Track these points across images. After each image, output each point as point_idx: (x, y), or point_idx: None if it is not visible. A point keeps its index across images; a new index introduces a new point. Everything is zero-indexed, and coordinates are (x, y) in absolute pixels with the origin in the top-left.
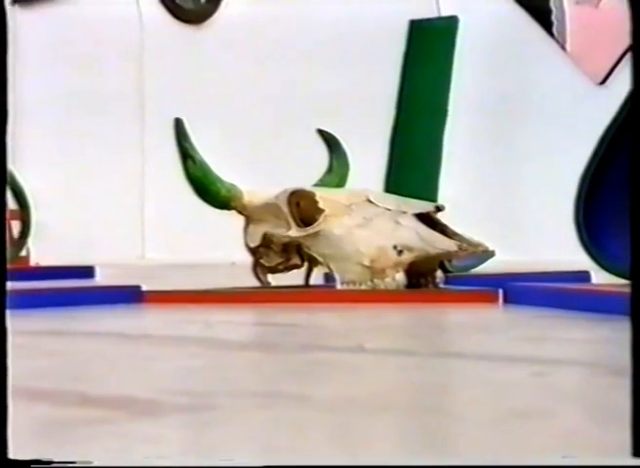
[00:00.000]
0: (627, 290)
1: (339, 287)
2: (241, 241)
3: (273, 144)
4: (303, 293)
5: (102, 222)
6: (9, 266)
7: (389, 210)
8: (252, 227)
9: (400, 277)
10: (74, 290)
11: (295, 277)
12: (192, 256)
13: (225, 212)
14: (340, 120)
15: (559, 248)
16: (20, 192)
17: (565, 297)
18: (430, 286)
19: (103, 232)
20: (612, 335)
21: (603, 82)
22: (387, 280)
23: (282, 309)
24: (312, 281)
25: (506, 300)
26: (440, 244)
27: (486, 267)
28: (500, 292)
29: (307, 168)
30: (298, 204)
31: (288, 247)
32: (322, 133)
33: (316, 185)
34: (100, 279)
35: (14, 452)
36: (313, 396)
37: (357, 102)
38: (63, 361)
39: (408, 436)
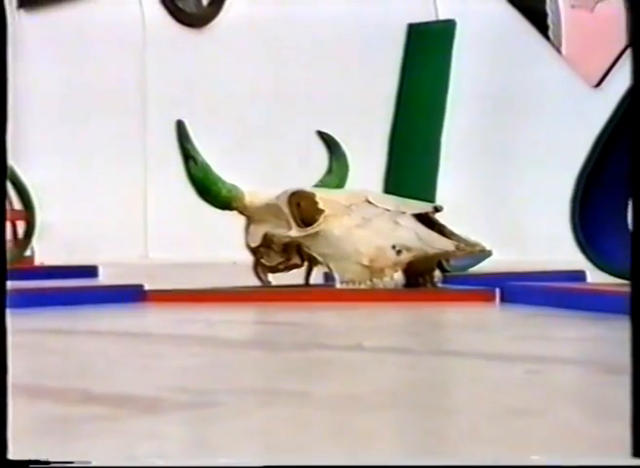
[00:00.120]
0: (622, 289)
1: (338, 286)
2: (242, 241)
3: (274, 146)
4: (303, 293)
5: (106, 223)
6: (14, 266)
7: (388, 210)
8: (253, 227)
9: (398, 276)
10: (78, 289)
11: (295, 276)
12: (194, 256)
13: (227, 212)
14: (339, 122)
15: (555, 248)
16: (24, 193)
17: (561, 297)
18: (428, 285)
19: (107, 232)
20: (607, 334)
21: (598, 84)
22: (386, 279)
23: (282, 308)
24: (312, 280)
25: (503, 299)
26: (438, 244)
27: (483, 267)
28: (497, 291)
29: (307, 169)
30: (298, 204)
31: (288, 247)
32: (322, 134)
33: (316, 186)
34: (104, 278)
35: (13, 452)
36: (313, 393)
37: (356, 104)
38: (67, 359)
39: (406, 433)
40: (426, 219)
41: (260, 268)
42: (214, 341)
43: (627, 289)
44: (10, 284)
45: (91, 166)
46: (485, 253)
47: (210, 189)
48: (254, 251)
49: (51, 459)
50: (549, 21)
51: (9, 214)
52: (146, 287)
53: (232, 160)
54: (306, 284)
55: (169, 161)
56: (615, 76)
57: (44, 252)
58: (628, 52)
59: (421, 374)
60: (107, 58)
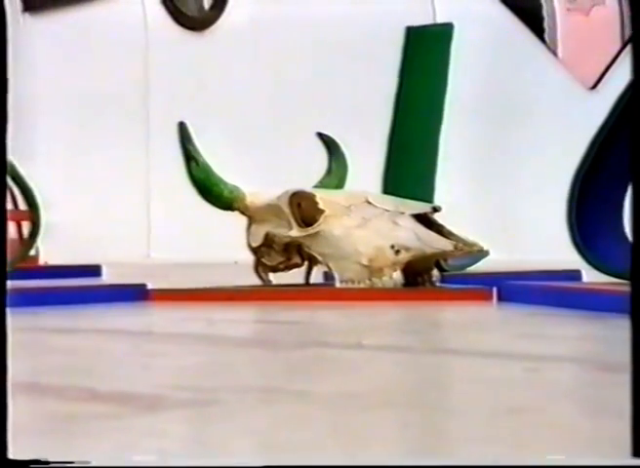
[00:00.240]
0: (618, 288)
1: (338, 285)
2: (244, 241)
3: (274, 147)
4: (304, 292)
5: (109, 223)
6: (19, 265)
7: (387, 210)
8: (254, 227)
9: (397, 276)
10: (81, 288)
11: (295, 276)
12: (196, 256)
13: (228, 212)
14: (338, 123)
15: (551, 247)
16: (29, 193)
17: (557, 296)
18: (427, 284)
19: (110, 232)
20: (602, 332)
21: (594, 87)
22: (385, 278)
23: (283, 307)
24: (312, 279)
25: (500, 298)
26: (436, 243)
27: (480, 266)
28: (495, 290)
29: (308, 170)
30: (298, 205)
31: (289, 246)
32: (322, 136)
33: (316, 187)
34: (107, 278)
35: (16, 451)
36: (313, 392)
37: (356, 106)
38: (71, 357)
39: (405, 431)
40: (425, 220)
41: (261, 268)
42: (215, 340)
43: (623, 288)
44: (15, 283)
45: (94, 167)
46: (482, 253)
47: (212, 190)
48: (255, 250)
49: (52, 458)
50: (545, 25)
51: (14, 215)
52: (149, 286)
53: (233, 161)
54: (306, 283)
55: (171, 162)
56: (610, 78)
57: (48, 251)
58: (624, 54)
59: (420, 373)
60: (111, 60)
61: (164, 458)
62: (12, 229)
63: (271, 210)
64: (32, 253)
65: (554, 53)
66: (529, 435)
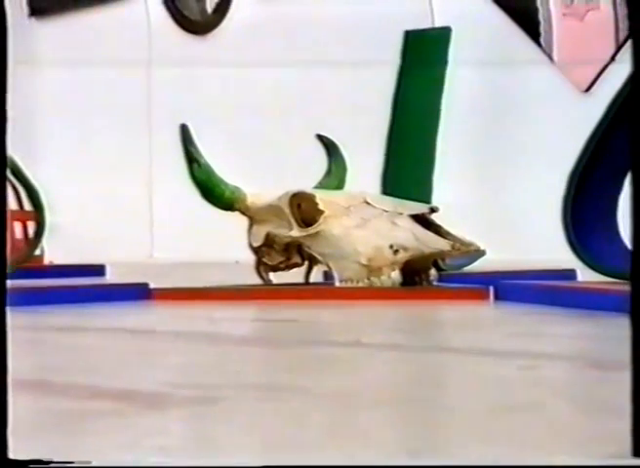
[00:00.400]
0: (612, 287)
1: (337, 284)
2: (245, 241)
3: (275, 148)
4: (304, 291)
5: (113, 223)
6: (25, 265)
7: (386, 211)
8: (255, 228)
9: (396, 275)
10: (85, 287)
11: (295, 275)
12: (198, 256)
13: (230, 213)
14: (338, 125)
15: (547, 247)
16: (34, 194)
17: (552, 295)
18: (424, 283)
19: (114, 232)
20: (596, 331)
21: (588, 89)
22: (383, 278)
23: (283, 306)
24: (312, 279)
25: (497, 297)
26: (434, 243)
27: (477, 266)
28: (491, 289)
29: (308, 171)
30: (299, 205)
31: (289, 246)
32: (321, 138)
33: (316, 188)
34: (110, 277)
35: (20, 448)
36: (313, 389)
37: (355, 108)
38: (75, 355)
39: (403, 427)
40: (423, 220)
41: (261, 267)
42: (217, 338)
43: (617, 287)
44: (20, 282)
45: (98, 168)
46: (479, 253)
47: (213, 191)
48: (256, 250)
49: (56, 456)
50: (541, 29)
51: (20, 215)
52: (152, 285)
53: (235, 163)
54: (306, 282)
55: (174, 164)
56: (604, 81)
57: (53, 251)
58: (617, 58)
59: (418, 370)
60: (114, 63)
61: (164, 458)
62: (18, 229)
63: (272, 210)
64: (37, 252)
65: (550, 56)
66: (525, 431)
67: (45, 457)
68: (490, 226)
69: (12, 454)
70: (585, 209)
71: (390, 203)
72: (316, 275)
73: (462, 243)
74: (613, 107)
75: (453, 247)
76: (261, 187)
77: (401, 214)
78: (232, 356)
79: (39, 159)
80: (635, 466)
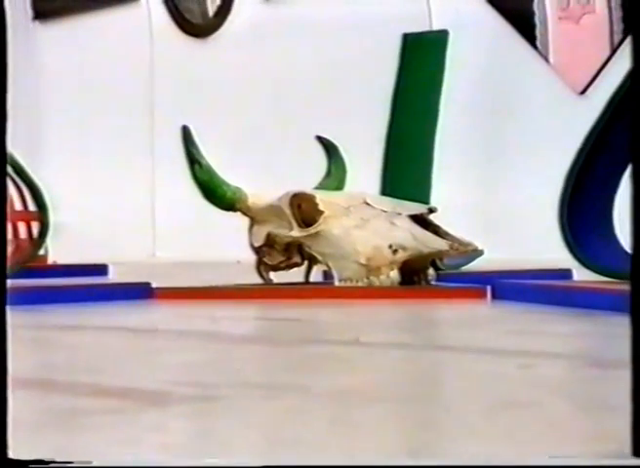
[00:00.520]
0: (607, 286)
1: (337, 284)
2: (246, 241)
3: (276, 150)
4: (304, 290)
5: (116, 223)
6: (29, 265)
7: (385, 211)
8: (256, 228)
9: (394, 274)
10: (88, 286)
11: (295, 275)
12: (200, 255)
13: (231, 213)
14: (338, 127)
15: (544, 247)
16: (38, 195)
17: (549, 294)
18: (423, 283)
19: (116, 233)
20: (593, 329)
21: (583, 92)
22: (382, 277)
23: (284, 305)
24: (312, 278)
25: (494, 297)
26: (432, 243)
27: (475, 265)
28: (489, 288)
29: (308, 172)
30: (299, 206)
31: (290, 246)
32: (321, 139)
33: (316, 188)
34: (113, 276)
35: (21, 447)
36: (313, 387)
37: (354, 110)
38: (77, 354)
39: (402, 425)
40: (421, 220)
41: (262, 267)
42: (218, 337)
43: (612, 286)
44: (24, 281)
45: (102, 170)
46: (477, 253)
47: (215, 191)
48: (257, 250)
49: (57, 455)
50: (537, 32)
51: (24, 215)
52: (154, 284)
53: (236, 163)
54: (306, 282)
55: (176, 165)
56: (599, 84)
57: (57, 251)
58: (612, 61)
59: (417, 369)
60: (117, 65)
61: (165, 458)
62: (22, 229)
63: (273, 211)
64: (41, 252)
65: (546, 59)
66: (523, 429)
67: (47, 455)
68: (487, 226)
69: (13, 454)
70: (582, 209)
71: (389, 203)
72: (316, 274)
73: (460, 243)
74: (609, 109)
75: (451, 247)
76: (262, 188)
77: (400, 214)
78: (233, 354)
79: (43, 160)
80: (635, 466)
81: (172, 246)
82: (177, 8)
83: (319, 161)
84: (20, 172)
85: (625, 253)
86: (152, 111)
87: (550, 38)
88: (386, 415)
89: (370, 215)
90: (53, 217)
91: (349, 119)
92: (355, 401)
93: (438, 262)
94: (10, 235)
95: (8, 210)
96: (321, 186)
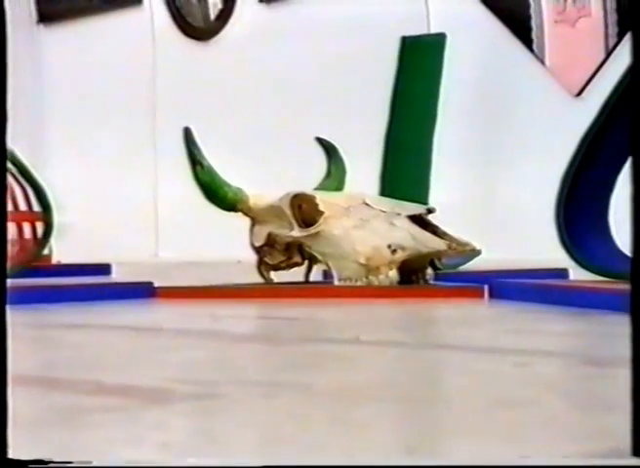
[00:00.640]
0: (603, 286)
1: (336, 283)
2: (247, 241)
3: (276, 151)
4: (304, 289)
5: (119, 224)
6: (33, 264)
7: (384, 212)
8: (257, 228)
9: (393, 274)
10: (91, 286)
11: (295, 274)
12: (201, 255)
13: (232, 214)
14: (337, 129)
15: (540, 247)
16: (42, 196)
17: (546, 293)
18: (421, 282)
19: (119, 232)
20: (589, 328)
21: (579, 94)
22: (381, 277)
23: (284, 304)
24: (312, 278)
25: (492, 296)
26: (431, 243)
27: (473, 265)
28: (486, 288)
29: (308, 173)
30: (299, 206)
31: (290, 246)
32: (321, 141)
33: (316, 189)
34: (116, 276)
35: (20, 446)
36: (314, 385)
37: (353, 112)
38: (80, 352)
39: (400, 422)
40: (420, 220)
41: (263, 266)
42: (219, 335)
43: (608, 286)
44: (29, 281)
45: (105, 170)
46: (475, 253)
47: (216, 192)
48: (258, 250)
49: (57, 454)
50: (534, 35)
51: (29, 216)
52: (156, 284)
53: (237, 164)
54: (306, 281)
55: (178, 166)
56: (594, 86)
57: (61, 251)
58: (608, 63)
59: (415, 367)
60: (120, 68)
61: (165, 458)
62: (27, 230)
63: (273, 211)
64: (46, 252)
65: (542, 61)
66: (520, 426)
67: (49, 453)
68: (485, 227)
69: (13, 453)
70: (578, 210)
71: (388, 204)
72: (316, 274)
73: (459, 243)
74: (604, 111)
75: (449, 246)
76: (263, 189)
77: (399, 214)
78: (234, 352)
79: (47, 162)
80: (635, 466)
81: (174, 246)
82: (179, 11)
83: (319, 162)
84: (25, 173)
85: (621, 253)
86: (154, 112)
87: (547, 41)
88: (386, 413)
89: (369, 216)
90: (57, 218)
91: (349, 121)
92: (356, 398)
93: (436, 262)
94: (15, 235)
95: (11, 209)
96: (321, 187)
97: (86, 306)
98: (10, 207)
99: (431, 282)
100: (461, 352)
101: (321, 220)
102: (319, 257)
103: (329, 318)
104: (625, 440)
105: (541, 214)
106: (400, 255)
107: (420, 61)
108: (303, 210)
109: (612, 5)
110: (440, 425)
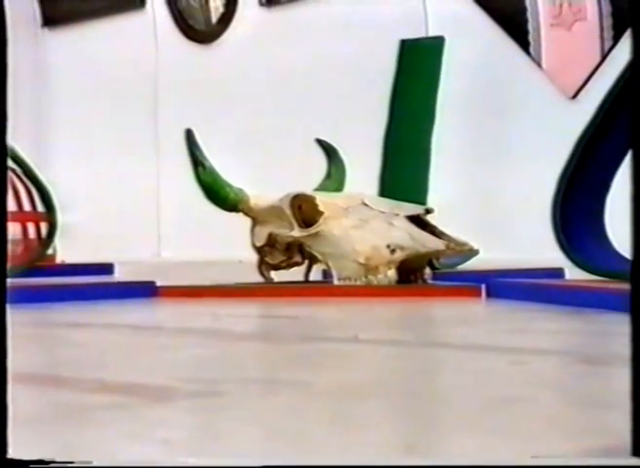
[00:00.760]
0: (598, 285)
1: (336, 282)
2: (248, 241)
3: (277, 152)
4: (304, 289)
5: (122, 224)
6: (38, 264)
7: (383, 212)
8: (258, 228)
9: (392, 273)
10: (95, 285)
11: (295, 274)
12: (203, 255)
13: (233, 214)
14: (337, 130)
15: (537, 247)
16: (47, 196)
17: (542, 292)
18: (419, 281)
19: (122, 233)
20: (584, 327)
21: (575, 96)
22: (380, 276)
23: (284, 303)
24: (312, 277)
25: (489, 295)
26: (429, 243)
27: (470, 264)
28: (483, 287)
29: (308, 174)
30: (299, 207)
31: (291, 246)
32: (321, 142)
33: (316, 190)
34: (119, 275)
35: (24, 443)
36: (313, 382)
37: (353, 114)
38: (84, 350)
39: (399, 419)
40: (418, 221)
41: (264, 266)
42: (220, 334)
43: (603, 285)
44: (33, 280)
45: (108, 172)
46: (472, 252)
47: (218, 193)
48: (258, 250)
49: (60, 452)
50: (530, 39)
51: (33, 216)
52: (158, 283)
53: (238, 166)
54: (306, 280)
55: (180, 167)
56: (590, 89)
57: (65, 250)
58: (603, 66)
59: (413, 365)
60: (123, 70)
61: (165, 458)
62: (31, 230)
63: (274, 211)
64: (50, 252)
65: (539, 64)
66: (517, 423)
67: (52, 450)
68: (482, 227)
69: (14, 452)
70: (574, 210)
71: (387, 204)
72: (315, 273)
73: (456, 243)
74: (599, 113)
75: (447, 246)
76: (264, 189)
77: (397, 215)
78: (235, 351)
79: (51, 163)
80: (635, 466)
81: (176, 246)
82: (181, 15)
83: (319, 163)
84: (30, 174)
85: (616, 253)
86: (157, 114)
87: (543, 44)
88: (384, 410)
89: (368, 216)
90: (61, 218)
91: (349, 123)
92: (355, 396)
93: (435, 262)
94: (20, 235)
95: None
96: (321, 188)
97: (89, 305)
98: (15, 207)
99: (429, 281)
100: (459, 350)
101: (321, 221)
102: (319, 257)
103: (328, 317)
104: (621, 436)
105: (538, 215)
106: (399, 255)
107: (418, 64)
108: (304, 210)
109: (607, 9)
110: (438, 422)
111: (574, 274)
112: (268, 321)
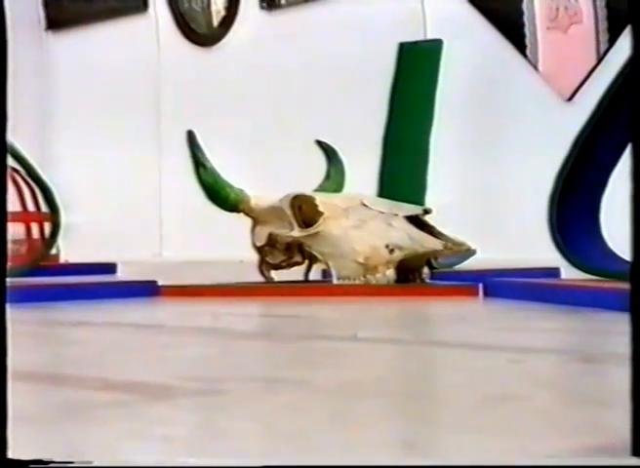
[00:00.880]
0: (594, 284)
1: (335, 282)
2: (248, 240)
3: (277, 153)
4: (303, 288)
5: (124, 224)
6: (41, 263)
7: (382, 212)
8: (258, 228)
9: (390, 273)
10: (97, 284)
11: (295, 273)
12: (204, 255)
13: (234, 214)
14: (337, 131)
15: (533, 247)
16: (50, 196)
17: (538, 291)
18: (418, 281)
19: (125, 233)
20: (580, 326)
21: (570, 98)
22: (379, 276)
23: (284, 302)
24: (311, 277)
25: (486, 294)
26: (427, 243)
27: (468, 264)
28: (481, 286)
29: (308, 175)
30: (300, 207)
31: (291, 246)
32: (321, 143)
33: (316, 190)
34: (121, 275)
35: (22, 442)
36: (313, 381)
37: (352, 115)
38: (86, 348)
39: (397, 417)
40: (417, 221)
41: (264, 266)
42: (221, 333)
43: (599, 284)
44: (37, 279)
45: (111, 172)
46: (470, 252)
47: (219, 193)
48: (259, 249)
49: (62, 449)
50: (527, 41)
51: (37, 216)
52: (160, 282)
53: (239, 166)
54: (306, 280)
55: (181, 168)
56: (586, 91)
57: (68, 250)
58: (599, 69)
59: (412, 363)
60: (126, 73)
61: (166, 458)
62: (35, 230)
63: (274, 212)
64: (53, 251)
65: (535, 67)
66: (515, 421)
67: (53, 447)
68: (480, 227)
69: (14, 452)
70: (570, 211)
71: (386, 205)
72: (315, 273)
73: (454, 243)
74: (595, 115)
75: (445, 246)
76: (264, 190)
77: (396, 215)
78: (236, 349)
79: (55, 164)
80: (635, 466)
81: (177, 246)
82: (183, 18)
83: (319, 164)
84: (34, 175)
85: (611, 252)
86: (159, 116)
87: (540, 47)
88: (383, 408)
89: (367, 216)
90: (64, 218)
91: (348, 124)
92: (354, 394)
93: (433, 261)
94: (23, 235)
95: (20, 210)
96: (321, 188)
97: (92, 304)
98: (19, 207)
99: (427, 281)
100: (457, 349)
101: (320, 221)
102: (319, 257)
103: (328, 316)
104: (618, 435)
105: (534, 215)
106: (397, 255)
107: (417, 66)
108: (303, 210)
109: (603, 12)
110: (436, 420)
111: (569, 273)
112: (269, 320)
